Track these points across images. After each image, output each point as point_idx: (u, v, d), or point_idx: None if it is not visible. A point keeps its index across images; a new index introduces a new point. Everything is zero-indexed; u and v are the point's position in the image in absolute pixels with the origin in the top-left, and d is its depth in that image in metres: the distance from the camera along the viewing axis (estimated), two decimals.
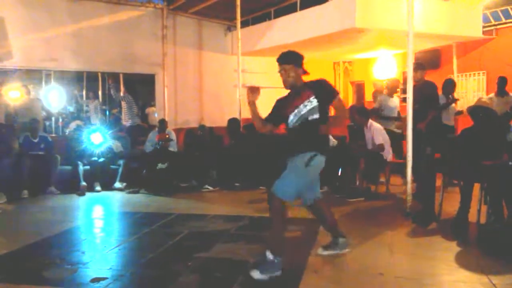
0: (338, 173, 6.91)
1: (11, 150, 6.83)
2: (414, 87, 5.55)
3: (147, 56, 9.92)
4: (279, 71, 3.81)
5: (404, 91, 10.66)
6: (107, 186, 7.47)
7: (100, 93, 11.51)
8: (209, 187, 7.39)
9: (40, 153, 7.20)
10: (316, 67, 13.19)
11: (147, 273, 3.70)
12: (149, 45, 9.90)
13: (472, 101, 9.56)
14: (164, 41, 9.98)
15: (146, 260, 3.97)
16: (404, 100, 10.21)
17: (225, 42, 11.09)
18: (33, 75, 10.43)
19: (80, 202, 6.75)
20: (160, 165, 7.42)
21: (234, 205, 6.31)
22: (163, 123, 8.32)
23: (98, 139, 7.59)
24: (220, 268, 3.78)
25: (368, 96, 11.33)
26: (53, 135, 9.25)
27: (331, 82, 13.53)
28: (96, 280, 3.48)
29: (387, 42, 9.64)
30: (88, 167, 7.46)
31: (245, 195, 6.92)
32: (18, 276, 3.62)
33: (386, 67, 11.91)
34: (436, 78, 7.59)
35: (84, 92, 11.73)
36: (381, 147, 6.54)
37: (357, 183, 6.62)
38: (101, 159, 7.59)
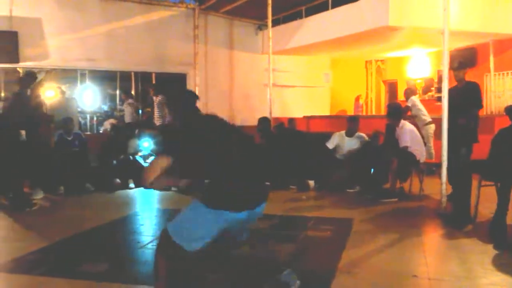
0: (370, 172, 6.82)
1: (47, 147, 7.02)
2: (455, 87, 5.41)
3: (179, 56, 10.04)
4: None
5: (438, 90, 10.49)
6: (139, 183, 7.59)
7: (133, 92, 11.70)
8: None
9: (75, 149, 7.38)
10: (347, 66, 13.10)
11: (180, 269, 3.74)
12: (180, 45, 10.02)
13: (510, 101, 9.28)
14: (196, 41, 10.09)
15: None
16: (438, 99, 10.06)
17: (255, 41, 11.12)
18: (68, 75, 10.71)
19: (114, 198, 6.89)
20: None
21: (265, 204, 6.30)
22: None
23: (146, 144, 7.80)
24: (250, 267, 3.78)
25: (401, 95, 11.15)
26: (88, 133, 9.46)
27: (363, 81, 13.42)
28: (133, 274, 3.56)
29: (421, 40, 9.47)
30: (122, 164, 7.61)
31: (276, 194, 6.90)
32: (56, 269, 3.72)
33: (419, 66, 11.70)
34: (472, 77, 7.40)
35: (117, 92, 11.96)
36: (403, 149, 6.41)
37: (390, 183, 6.52)
38: (135, 157, 7.74)
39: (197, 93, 9.82)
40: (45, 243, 4.35)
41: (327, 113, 11.99)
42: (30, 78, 6.51)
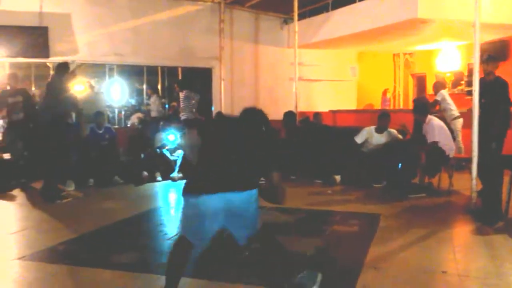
0: (397, 168, 6.73)
1: (79, 141, 7.17)
2: (483, 79, 5.28)
3: (205, 50, 10.08)
4: None
5: (468, 83, 10.25)
6: (166, 176, 7.69)
7: (159, 87, 11.82)
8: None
9: (105, 143, 7.52)
10: (374, 60, 12.93)
11: (206, 261, 3.77)
12: (206, 39, 10.05)
13: None
14: (221, 35, 10.10)
15: (207, 249, 4.04)
16: (468, 93, 9.83)
17: (281, 35, 11.07)
18: (97, 69, 10.88)
19: (142, 191, 6.99)
20: None
21: (290, 198, 6.21)
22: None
23: (172, 138, 7.90)
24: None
25: (430, 89, 10.94)
26: (116, 126, 9.61)
27: (391, 74, 13.22)
28: (162, 265, 3.60)
29: (451, 33, 9.25)
30: (149, 157, 7.72)
31: (301, 189, 6.89)
32: (87, 259, 3.80)
33: (449, 59, 11.45)
34: (504, 70, 7.20)
35: (144, 86, 12.10)
36: (432, 144, 6.29)
37: (418, 178, 6.43)
38: (162, 150, 7.84)
39: (222, 87, 9.98)
40: (75, 234, 4.46)
41: (353, 107, 11.86)
42: (64, 68, 6.65)
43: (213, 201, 2.75)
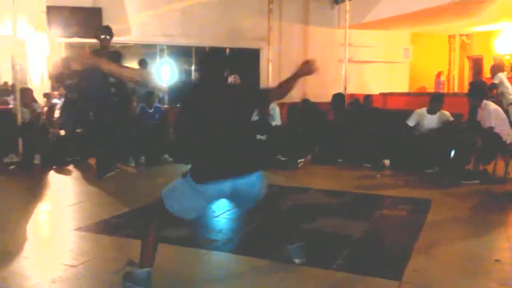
0: (450, 153, 6.50)
1: (132, 119, 7.35)
2: None
3: (253, 31, 10.04)
4: None
5: None
6: None
7: None
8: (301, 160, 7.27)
9: (155, 122, 7.68)
10: (428, 41, 12.47)
11: (253, 239, 3.82)
12: (255, 20, 10.01)
13: None
14: (270, 16, 10.02)
15: (252, 227, 4.10)
16: None
17: (331, 15, 10.85)
18: (148, 50, 11.09)
19: None
20: (258, 136, 7.51)
21: (338, 181, 6.24)
22: None
23: None
24: (325, 241, 3.78)
25: (487, 72, 10.47)
26: (166, 106, 9.79)
27: (445, 56, 12.72)
28: (209, 241, 3.70)
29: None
30: None
31: (349, 172, 6.81)
32: (138, 232, 3.91)
33: (509, 41, 10.88)
34: None
35: (192, 67, 12.23)
36: (488, 130, 6.02)
37: (472, 164, 6.20)
38: None
39: (270, 68, 9.94)
40: (127, 208, 4.62)
41: (405, 90, 11.52)
42: (117, 56, 6.78)
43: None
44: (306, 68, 3.09)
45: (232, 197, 2.82)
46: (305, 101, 8.61)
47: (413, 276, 3.04)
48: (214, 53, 3.15)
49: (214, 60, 2.94)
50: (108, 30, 6.11)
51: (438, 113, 6.84)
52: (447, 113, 6.86)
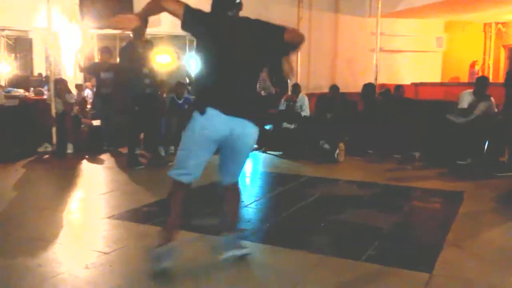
0: (484, 144, 6.33)
1: (164, 110, 7.43)
2: None
3: (282, 21, 9.82)
4: None
5: None
6: None
7: None
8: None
9: (184, 112, 7.74)
10: (463, 30, 12.12)
11: (282, 229, 3.83)
12: (284, 9, 9.91)
13: None
14: (300, 5, 9.92)
15: (281, 218, 4.11)
16: None
17: (362, 4, 10.62)
18: (178, 41, 11.16)
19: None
20: (286, 125, 7.48)
21: (367, 172, 6.17)
22: (296, 87, 8.35)
23: None
24: (354, 232, 3.76)
25: None
26: (194, 97, 9.86)
27: (480, 45, 12.34)
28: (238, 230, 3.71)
29: None
30: None
31: (379, 163, 6.72)
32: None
33: None
34: None
35: None
36: None
37: (507, 156, 6.02)
38: None
39: (299, 58, 9.87)
40: (157, 197, 4.68)
41: (438, 80, 11.23)
42: (150, 45, 6.86)
43: (221, 125, 2.70)
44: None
45: (227, 142, 2.80)
46: (334, 87, 8.50)
47: (444, 268, 3.00)
48: None
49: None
50: None
51: (484, 97, 6.55)
52: (492, 98, 6.60)
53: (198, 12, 2.79)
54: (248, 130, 2.80)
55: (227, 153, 2.93)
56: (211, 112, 2.69)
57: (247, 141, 2.86)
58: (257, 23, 2.88)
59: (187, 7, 2.74)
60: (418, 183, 5.52)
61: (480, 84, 6.69)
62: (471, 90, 6.70)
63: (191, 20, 2.75)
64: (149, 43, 6.60)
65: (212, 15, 2.87)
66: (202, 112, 2.70)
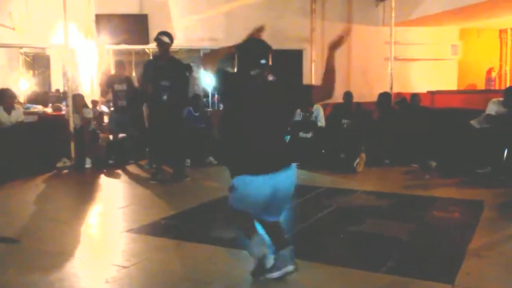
0: (503, 152, 6.24)
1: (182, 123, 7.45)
2: None
3: (296, 32, 10.01)
4: None
5: None
6: None
7: None
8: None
9: (201, 126, 7.77)
10: (478, 37, 12.01)
11: (300, 241, 3.80)
12: (297, 21, 9.98)
13: None
14: (313, 16, 9.97)
15: (298, 230, 4.09)
16: None
17: (376, 13, 10.63)
18: (192, 54, 11.27)
19: None
20: (302, 134, 7.47)
21: (384, 182, 6.13)
22: None
23: None
24: (373, 244, 3.72)
25: None
26: (210, 109, 9.92)
27: (497, 52, 12.21)
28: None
29: None
30: None
31: (396, 173, 6.66)
32: (187, 234, 4.00)
33: None
34: None
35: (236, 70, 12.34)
36: None
37: None
38: None
39: (313, 69, 9.88)
40: (176, 210, 4.70)
41: (454, 87, 11.13)
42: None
43: (263, 186, 2.68)
44: (337, 39, 2.95)
45: (273, 194, 2.76)
46: (347, 93, 8.46)
47: (466, 279, 2.95)
48: (254, 41, 2.94)
49: (254, 50, 2.84)
50: (168, 35, 6.18)
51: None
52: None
53: (226, 73, 2.92)
54: (289, 174, 2.78)
55: (275, 200, 2.83)
56: (249, 178, 2.69)
57: (290, 185, 2.84)
58: (282, 86, 2.93)
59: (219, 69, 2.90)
60: (436, 192, 5.46)
61: (509, 95, 6.54)
62: (500, 99, 6.57)
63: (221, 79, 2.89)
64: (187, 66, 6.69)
65: (236, 74, 2.99)
66: (240, 182, 2.73)
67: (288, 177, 2.79)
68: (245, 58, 2.85)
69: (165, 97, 5.99)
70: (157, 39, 6.02)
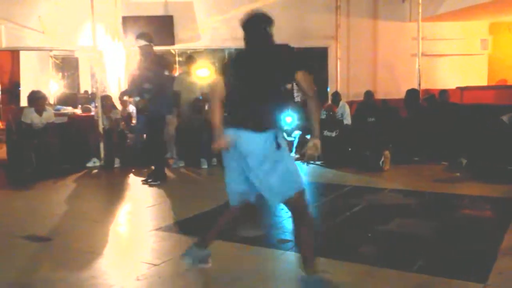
0: None
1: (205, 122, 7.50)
2: None
3: (320, 29, 9.94)
4: None
5: None
6: None
7: None
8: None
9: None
10: (508, 31, 11.70)
11: (328, 240, 3.78)
12: (322, 18, 9.90)
13: None
14: (338, 12, 9.88)
15: (326, 228, 4.07)
16: None
17: (402, 8, 10.46)
18: (217, 55, 11.32)
19: None
20: (327, 133, 7.41)
21: (413, 180, 6.03)
22: (337, 96, 8.30)
23: (289, 120, 7.90)
24: (402, 242, 3.68)
25: None
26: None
27: None
28: (282, 241, 3.72)
29: None
30: None
31: (425, 170, 6.56)
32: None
33: None
34: None
35: None
36: None
37: None
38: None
39: (338, 67, 9.80)
40: (202, 210, 4.72)
41: (484, 83, 10.87)
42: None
43: (231, 137, 2.77)
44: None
45: (239, 152, 2.78)
46: (368, 92, 8.35)
47: (499, 279, 2.89)
48: (253, 16, 3.10)
49: (254, 25, 3.06)
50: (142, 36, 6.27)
51: None
52: None
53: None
54: (254, 136, 2.75)
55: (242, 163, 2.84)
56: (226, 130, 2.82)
57: (251, 146, 2.76)
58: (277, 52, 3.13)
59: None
60: (466, 190, 5.36)
61: None
62: None
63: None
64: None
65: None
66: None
67: (251, 138, 2.72)
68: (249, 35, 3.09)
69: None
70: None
